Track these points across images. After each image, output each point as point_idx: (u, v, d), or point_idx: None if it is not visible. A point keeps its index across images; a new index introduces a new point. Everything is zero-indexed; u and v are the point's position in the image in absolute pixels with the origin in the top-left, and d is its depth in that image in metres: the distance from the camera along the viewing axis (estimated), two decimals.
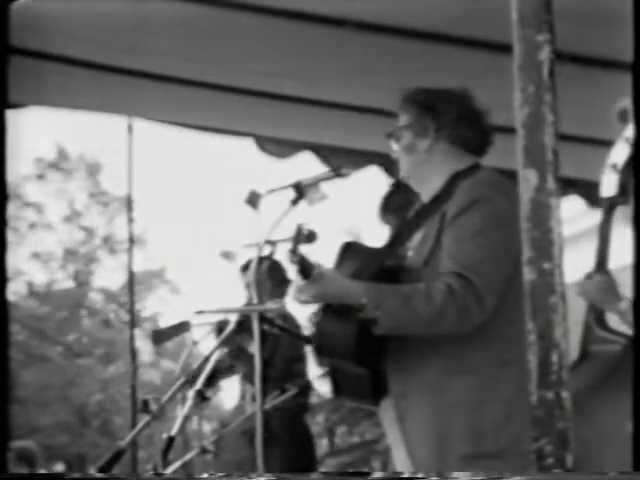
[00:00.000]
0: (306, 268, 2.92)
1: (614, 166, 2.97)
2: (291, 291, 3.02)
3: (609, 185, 2.99)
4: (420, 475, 2.83)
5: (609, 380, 2.88)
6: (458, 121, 3.08)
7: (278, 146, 5.54)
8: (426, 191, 3.11)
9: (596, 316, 2.98)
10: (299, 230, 2.95)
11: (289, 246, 2.94)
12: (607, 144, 3.04)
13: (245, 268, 5.11)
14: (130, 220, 6.85)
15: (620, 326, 2.94)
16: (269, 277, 5.23)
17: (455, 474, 2.70)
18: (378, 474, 3.21)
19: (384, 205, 4.30)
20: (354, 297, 2.89)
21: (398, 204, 3.32)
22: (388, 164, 5.26)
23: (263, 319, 3.70)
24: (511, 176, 1.80)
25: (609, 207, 2.99)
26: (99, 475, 3.18)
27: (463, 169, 3.06)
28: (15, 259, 22.94)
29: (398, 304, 2.86)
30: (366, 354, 2.95)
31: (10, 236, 22.73)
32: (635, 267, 1.96)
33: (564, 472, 1.47)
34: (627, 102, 2.93)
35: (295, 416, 5.22)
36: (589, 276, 2.95)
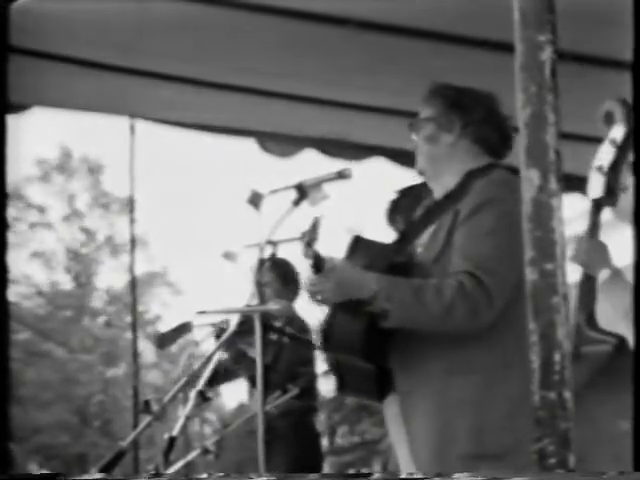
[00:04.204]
0: (319, 262, 2.93)
1: (600, 168, 2.98)
2: (305, 285, 3.03)
3: (595, 187, 2.99)
4: (421, 476, 2.83)
5: (599, 380, 2.88)
6: (484, 121, 3.09)
7: (281, 145, 5.54)
8: (440, 187, 3.11)
9: (586, 316, 2.98)
10: (315, 223, 2.95)
11: (305, 239, 2.94)
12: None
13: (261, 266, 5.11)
14: (132, 221, 6.85)
15: (609, 326, 2.94)
16: (278, 277, 5.24)
17: (456, 475, 2.69)
18: (378, 475, 3.21)
19: (392, 209, 4.30)
20: (366, 287, 2.89)
21: (406, 208, 3.32)
22: (393, 154, 5.28)
23: (270, 327, 3.70)
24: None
25: (595, 208, 3.00)
26: (100, 475, 3.18)
27: (478, 167, 3.06)
28: (18, 260, 22.95)
29: (409, 297, 2.86)
30: (373, 350, 2.95)
31: (13, 237, 22.73)
32: (635, 267, 1.96)
33: (566, 472, 1.47)
34: (612, 104, 2.95)
35: (303, 417, 5.22)
36: (579, 240, 2.95)
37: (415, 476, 2.85)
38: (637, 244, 1.93)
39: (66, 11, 4.06)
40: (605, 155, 2.98)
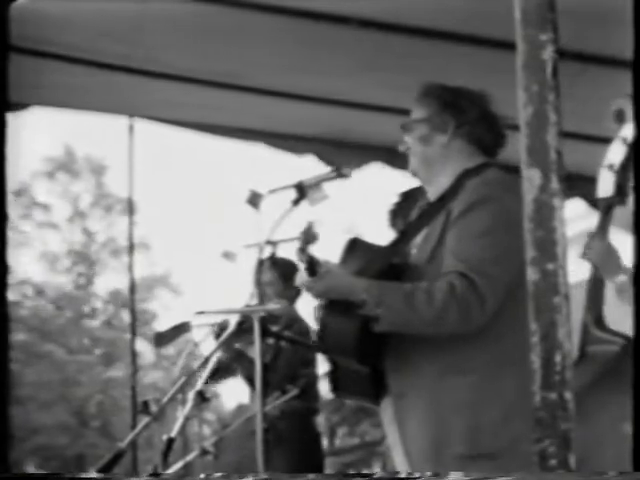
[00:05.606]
0: (313, 266, 2.93)
1: (611, 166, 2.97)
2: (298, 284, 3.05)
3: (606, 185, 2.98)
4: (418, 475, 2.82)
5: (605, 380, 2.87)
6: (478, 121, 3.07)
7: (285, 144, 5.54)
8: (434, 188, 3.10)
9: (594, 316, 2.97)
10: (309, 228, 2.96)
11: (298, 244, 2.94)
12: (606, 141, 3.05)
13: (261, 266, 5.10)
14: (131, 222, 6.85)
15: (617, 326, 2.93)
16: (279, 277, 5.23)
17: (453, 474, 2.69)
18: (378, 475, 3.21)
19: (393, 212, 4.29)
20: (357, 293, 2.89)
21: (406, 211, 3.32)
22: (392, 159, 5.27)
23: (268, 332, 3.70)
24: None
25: (606, 207, 2.99)
26: (99, 476, 3.17)
27: (472, 167, 3.04)
28: (19, 260, 22.96)
29: (399, 302, 2.85)
30: (368, 352, 2.95)
31: (16, 237, 22.74)
32: (635, 267, 1.95)
33: (566, 472, 1.47)
34: (623, 102, 2.93)
35: (304, 418, 5.21)
36: (591, 238, 2.93)
37: (413, 476, 2.84)
38: (637, 245, 1.92)
39: (66, 10, 4.06)
40: (616, 154, 2.96)
